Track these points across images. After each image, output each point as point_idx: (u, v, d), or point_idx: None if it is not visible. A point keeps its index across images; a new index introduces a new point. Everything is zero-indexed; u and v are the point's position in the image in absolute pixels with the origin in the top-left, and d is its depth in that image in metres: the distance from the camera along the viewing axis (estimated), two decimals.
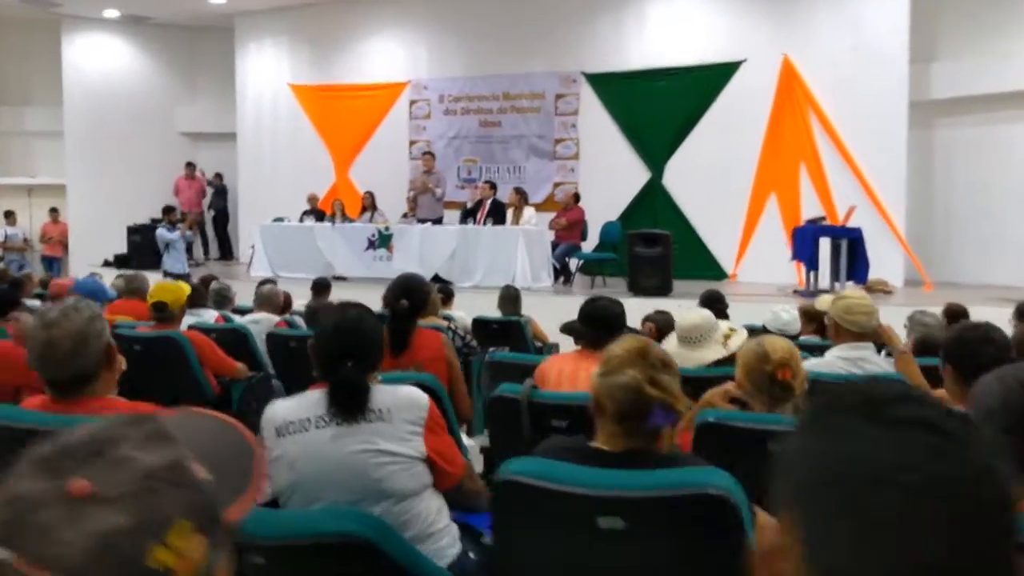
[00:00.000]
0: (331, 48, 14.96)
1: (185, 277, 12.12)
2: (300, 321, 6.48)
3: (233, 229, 16.35)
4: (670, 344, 3.93)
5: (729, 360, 3.90)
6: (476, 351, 6.77)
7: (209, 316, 6.21)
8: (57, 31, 16.04)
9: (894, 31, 11.08)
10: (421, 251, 11.67)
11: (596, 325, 3.44)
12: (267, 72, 15.64)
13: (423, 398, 2.37)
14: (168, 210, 12.49)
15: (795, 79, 11.64)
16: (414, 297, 3.74)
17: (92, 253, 15.40)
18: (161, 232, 11.97)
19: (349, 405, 2.27)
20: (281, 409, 2.34)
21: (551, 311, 7.54)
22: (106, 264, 14.63)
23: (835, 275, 9.59)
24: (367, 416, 2.28)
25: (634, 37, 12.66)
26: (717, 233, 12.17)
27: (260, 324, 5.90)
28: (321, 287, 8.25)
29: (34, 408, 2.31)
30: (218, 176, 16.27)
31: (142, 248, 14.36)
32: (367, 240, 12.05)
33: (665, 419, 1.94)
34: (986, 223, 11.40)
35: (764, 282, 11.35)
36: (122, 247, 14.99)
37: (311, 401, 2.33)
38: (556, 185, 13.28)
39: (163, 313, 4.62)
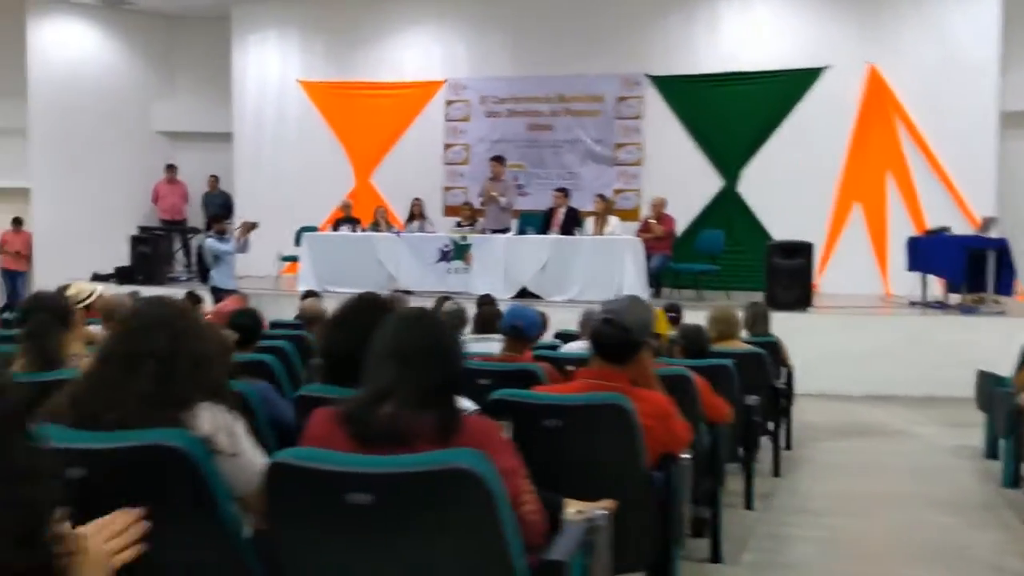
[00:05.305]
0: (351, 42, 13.80)
1: (234, 292, 10.84)
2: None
3: None
4: None
5: None
6: None
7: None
8: (21, 14, 14.14)
9: (984, 41, 11.10)
10: (506, 263, 10.82)
11: None
12: (271, 67, 14.30)
13: None
14: (217, 218, 11.08)
15: (882, 88, 11.48)
16: None
17: (62, 265, 13.54)
18: (211, 243, 10.57)
19: None
20: None
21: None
22: (96, 278, 12.94)
23: (977, 286, 9.40)
24: None
25: (706, 39, 12.23)
26: None
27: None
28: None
29: None
30: (214, 179, 14.73)
31: (149, 259, 12.81)
32: (439, 251, 11.08)
33: None
34: None
35: (849, 293, 11.13)
36: (101, 258, 13.35)
37: None
38: (617, 192, 12.65)
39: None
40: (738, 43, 12.11)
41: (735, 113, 11.97)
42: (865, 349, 9.10)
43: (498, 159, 11.86)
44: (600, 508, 2.66)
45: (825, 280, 11.88)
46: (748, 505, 5.01)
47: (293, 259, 12.27)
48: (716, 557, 4.04)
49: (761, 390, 5.62)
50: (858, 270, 11.55)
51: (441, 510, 1.73)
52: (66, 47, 14.52)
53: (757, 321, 6.78)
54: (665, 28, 12.38)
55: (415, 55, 13.60)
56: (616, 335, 2.84)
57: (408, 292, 10.58)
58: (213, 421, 1.97)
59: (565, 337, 5.52)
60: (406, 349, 2.00)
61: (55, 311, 3.19)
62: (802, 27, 11.90)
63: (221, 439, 1.94)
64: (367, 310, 2.93)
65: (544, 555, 1.98)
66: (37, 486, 0.91)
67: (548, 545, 2.06)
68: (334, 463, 1.75)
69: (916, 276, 10.35)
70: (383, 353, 2.01)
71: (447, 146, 13.51)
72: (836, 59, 11.63)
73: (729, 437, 4.28)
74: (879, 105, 11.52)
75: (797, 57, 11.81)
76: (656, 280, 11.11)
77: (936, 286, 10.40)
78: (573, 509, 2.59)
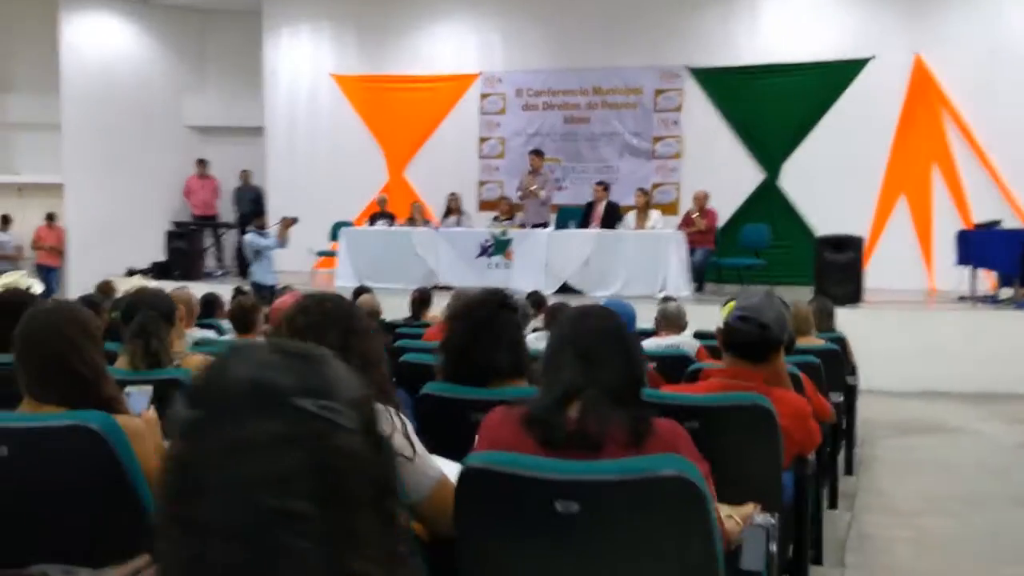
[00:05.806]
0: (384, 35, 13.70)
1: (273, 288, 10.77)
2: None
3: None
4: None
5: None
6: None
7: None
8: (54, 9, 14.10)
9: None
10: (548, 258, 10.71)
11: None
12: (303, 61, 14.23)
13: None
14: (257, 213, 11.02)
15: (928, 80, 11.31)
16: None
17: (95, 261, 13.49)
18: (252, 238, 10.49)
19: None
20: None
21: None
22: (132, 273, 12.90)
23: None
24: None
25: (747, 31, 12.09)
26: None
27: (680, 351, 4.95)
28: None
29: None
30: (246, 174, 14.65)
31: (185, 255, 12.76)
32: (479, 246, 10.98)
33: None
34: None
35: (893, 288, 10.96)
36: (134, 253, 13.30)
37: None
38: (655, 186, 12.52)
39: None
40: (780, 34, 11.96)
41: (776, 105, 11.82)
42: (918, 344, 8.95)
43: (537, 152, 11.73)
44: (750, 512, 2.57)
45: (869, 274, 11.73)
46: (832, 504, 4.90)
47: (327, 254, 12.22)
48: (817, 559, 3.93)
49: (837, 387, 5.50)
50: (903, 264, 11.38)
51: (652, 517, 1.63)
52: (98, 42, 14.49)
53: (823, 317, 6.63)
54: (705, 20, 12.23)
55: (449, 48, 13.49)
56: (754, 333, 2.73)
57: (447, 287, 10.51)
58: (388, 423, 1.88)
59: (643, 334, 5.42)
60: (589, 348, 1.89)
61: (160, 308, 3.11)
62: (845, 17, 11.73)
63: (399, 441, 1.84)
64: (487, 306, 2.83)
65: (736, 564, 1.88)
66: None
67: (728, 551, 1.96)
68: (538, 469, 1.66)
69: (962, 270, 10.19)
70: (564, 352, 1.90)
71: (482, 140, 13.41)
72: (881, 50, 11.46)
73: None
74: (925, 96, 11.36)
75: (840, 48, 11.64)
76: (699, 275, 10.98)
77: (984, 280, 10.26)
78: (722, 514, 2.49)
